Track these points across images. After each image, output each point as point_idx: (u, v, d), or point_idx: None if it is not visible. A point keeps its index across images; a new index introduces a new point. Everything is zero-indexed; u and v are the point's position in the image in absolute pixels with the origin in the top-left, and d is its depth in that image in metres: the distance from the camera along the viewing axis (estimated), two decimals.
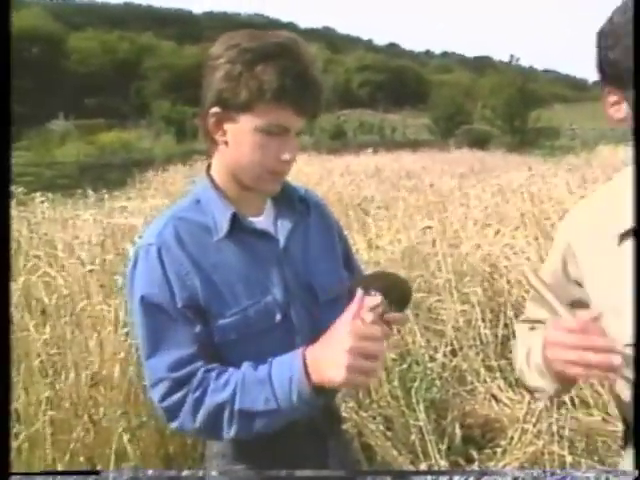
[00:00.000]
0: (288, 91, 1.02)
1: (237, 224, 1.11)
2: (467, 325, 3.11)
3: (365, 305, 0.99)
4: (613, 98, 1.03)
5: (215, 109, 1.06)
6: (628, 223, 1.02)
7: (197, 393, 1.03)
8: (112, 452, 2.19)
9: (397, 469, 2.26)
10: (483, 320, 3.20)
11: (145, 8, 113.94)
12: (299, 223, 1.21)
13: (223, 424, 1.02)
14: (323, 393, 0.98)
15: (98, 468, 2.26)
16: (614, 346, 0.87)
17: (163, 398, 1.04)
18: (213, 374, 1.04)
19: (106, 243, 4.27)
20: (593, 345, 0.86)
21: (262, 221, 1.17)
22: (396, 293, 1.13)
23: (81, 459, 2.30)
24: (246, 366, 1.04)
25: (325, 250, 1.26)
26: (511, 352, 3.14)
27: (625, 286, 1.00)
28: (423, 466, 2.23)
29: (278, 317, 1.11)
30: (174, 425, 1.06)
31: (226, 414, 1.02)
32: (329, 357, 0.94)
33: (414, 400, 2.40)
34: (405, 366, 2.62)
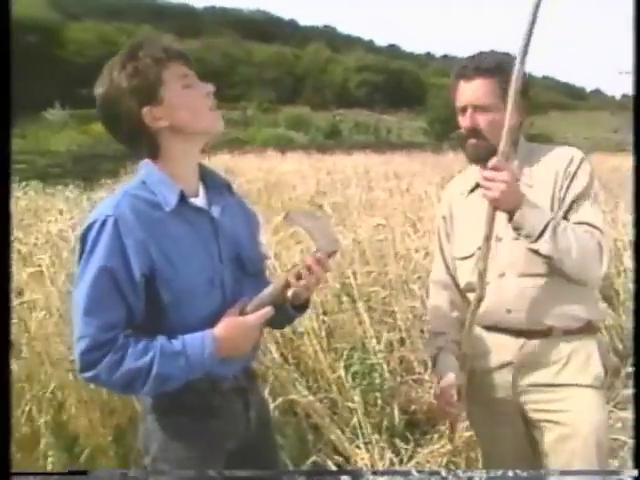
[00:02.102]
0: (176, 52, 1.32)
1: (182, 201, 1.32)
2: (415, 318, 3.29)
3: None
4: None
5: (148, 106, 1.28)
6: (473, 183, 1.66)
7: (116, 356, 1.22)
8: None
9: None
10: None
11: (143, 0, 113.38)
12: (226, 204, 1.43)
13: (136, 383, 1.23)
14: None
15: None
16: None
17: (84, 353, 1.23)
18: (131, 340, 1.24)
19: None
20: None
21: (199, 200, 1.39)
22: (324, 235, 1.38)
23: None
24: (162, 338, 1.26)
25: (247, 229, 1.49)
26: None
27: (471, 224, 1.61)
28: (360, 442, 2.42)
29: (216, 282, 1.34)
30: (87, 375, 1.24)
31: (142, 375, 1.23)
32: (240, 339, 1.30)
33: (353, 384, 2.59)
34: (348, 351, 2.81)
